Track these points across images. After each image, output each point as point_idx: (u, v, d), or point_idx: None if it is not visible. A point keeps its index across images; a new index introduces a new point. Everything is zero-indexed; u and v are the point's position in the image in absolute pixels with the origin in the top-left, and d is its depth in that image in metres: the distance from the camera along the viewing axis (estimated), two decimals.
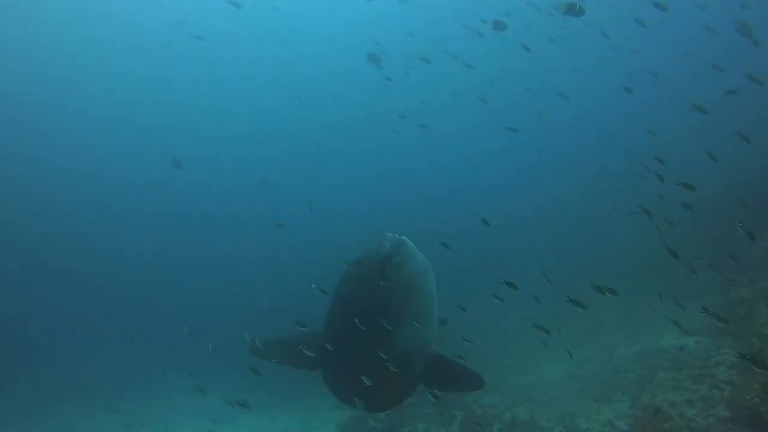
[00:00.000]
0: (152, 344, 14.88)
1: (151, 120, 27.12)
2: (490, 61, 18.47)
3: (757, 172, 11.92)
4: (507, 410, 9.85)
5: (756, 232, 10.23)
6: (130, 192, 25.03)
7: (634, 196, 14.43)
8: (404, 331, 3.71)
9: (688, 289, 10.50)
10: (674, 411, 7.33)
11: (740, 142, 7.16)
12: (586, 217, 15.19)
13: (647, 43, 17.19)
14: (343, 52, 25.16)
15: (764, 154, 12.46)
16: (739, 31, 9.12)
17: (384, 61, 13.60)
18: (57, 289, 20.20)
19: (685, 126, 15.44)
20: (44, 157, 24.91)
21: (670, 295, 10.80)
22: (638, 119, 16.68)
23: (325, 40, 25.76)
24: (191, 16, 23.55)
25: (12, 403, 14.02)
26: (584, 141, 19.97)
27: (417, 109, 19.68)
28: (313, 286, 4.92)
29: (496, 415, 9.78)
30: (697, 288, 10.42)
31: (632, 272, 11.76)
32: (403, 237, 3.77)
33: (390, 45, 16.84)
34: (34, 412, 14.08)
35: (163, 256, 21.83)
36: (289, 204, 22.32)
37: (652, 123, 13.97)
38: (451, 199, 21.94)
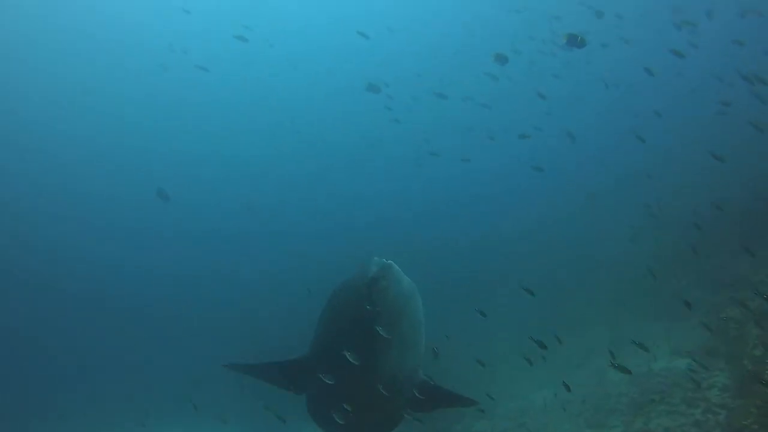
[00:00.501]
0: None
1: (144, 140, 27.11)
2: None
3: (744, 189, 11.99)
4: None
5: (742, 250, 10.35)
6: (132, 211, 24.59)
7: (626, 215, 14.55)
8: (392, 356, 3.68)
9: (677, 309, 10.38)
10: None
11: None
12: (580, 236, 15.13)
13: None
14: (341, 84, 25.56)
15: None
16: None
17: (383, 89, 13.64)
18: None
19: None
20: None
21: (659, 316, 10.78)
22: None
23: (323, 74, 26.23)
24: (193, 43, 24.25)
25: None
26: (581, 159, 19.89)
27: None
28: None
29: None
30: (686, 307, 10.30)
31: (624, 291, 11.63)
32: (389, 261, 3.74)
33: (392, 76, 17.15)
34: None
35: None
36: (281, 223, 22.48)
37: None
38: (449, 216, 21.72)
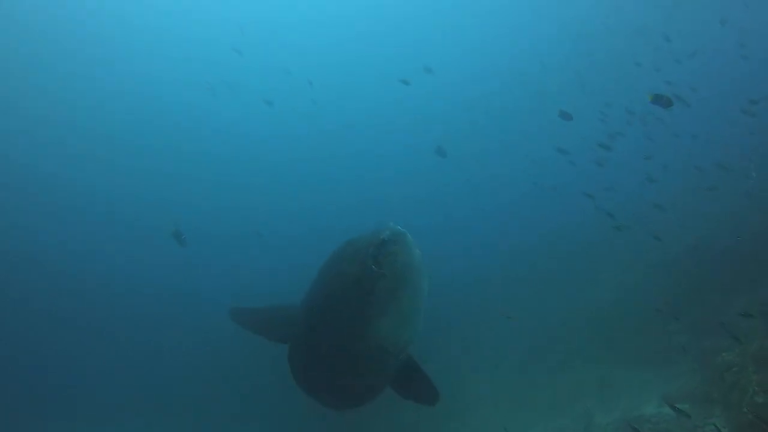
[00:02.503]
0: None
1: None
2: None
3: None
4: None
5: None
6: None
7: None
8: (384, 324, 3.43)
9: (670, 352, 10.00)
10: None
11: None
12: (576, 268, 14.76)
13: None
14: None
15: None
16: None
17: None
18: None
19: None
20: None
21: (650, 359, 10.35)
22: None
23: None
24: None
25: None
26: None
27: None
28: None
29: None
30: (677, 351, 9.92)
31: (615, 332, 11.23)
32: (404, 229, 3.58)
33: None
34: None
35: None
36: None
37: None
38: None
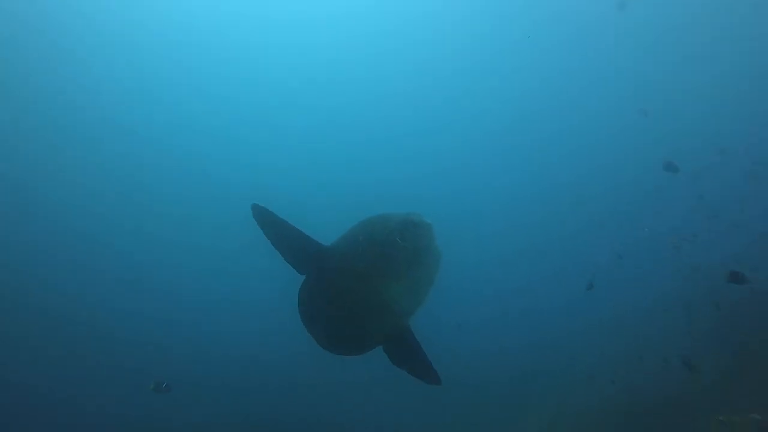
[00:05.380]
0: None
1: None
2: None
3: None
4: None
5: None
6: None
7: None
8: (394, 289, 3.91)
9: None
10: None
11: None
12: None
13: None
14: None
15: None
16: None
17: None
18: None
19: None
20: None
21: None
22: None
23: None
24: None
25: None
26: None
27: None
28: None
29: None
30: None
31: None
32: (430, 222, 3.97)
33: None
34: None
35: None
36: None
37: None
38: None
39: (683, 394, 9.49)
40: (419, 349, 4.14)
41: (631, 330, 13.49)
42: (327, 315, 4.15)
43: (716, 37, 23.64)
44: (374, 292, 3.93)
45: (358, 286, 3.95)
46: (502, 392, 13.13)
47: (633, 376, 11.24)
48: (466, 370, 12.96)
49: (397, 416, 13.04)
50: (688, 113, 21.42)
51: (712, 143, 17.62)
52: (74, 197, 23.06)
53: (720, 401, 8.46)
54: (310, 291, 4.32)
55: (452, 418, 12.78)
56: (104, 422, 13.54)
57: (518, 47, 25.73)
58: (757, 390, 8.36)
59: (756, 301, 10.41)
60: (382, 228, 3.94)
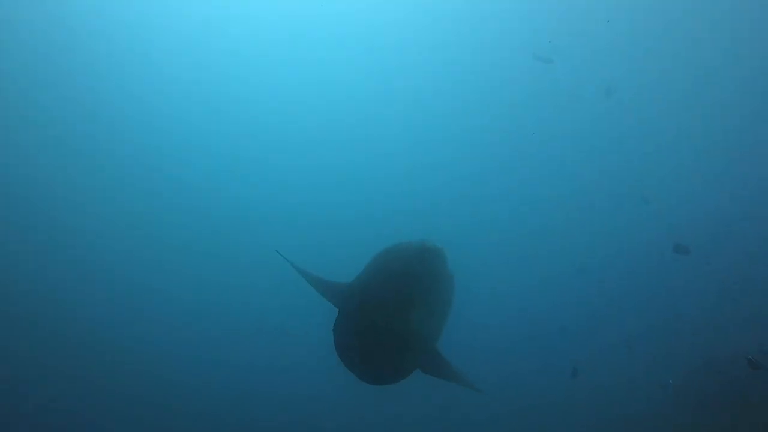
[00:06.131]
0: None
1: None
2: None
3: None
4: None
5: None
6: None
7: None
8: (417, 315, 4.10)
9: None
10: None
11: None
12: None
13: None
14: None
15: None
16: None
17: None
18: None
19: None
20: None
21: None
22: None
23: None
24: None
25: None
26: None
27: None
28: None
29: None
30: None
31: None
32: (441, 246, 4.21)
33: None
34: None
35: None
36: None
37: None
38: None
39: None
40: (450, 368, 4.37)
41: None
42: (358, 350, 4.34)
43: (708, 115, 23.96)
44: (398, 322, 4.10)
45: (383, 319, 4.13)
46: None
47: None
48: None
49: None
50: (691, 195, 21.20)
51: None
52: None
53: None
54: (340, 329, 4.53)
55: None
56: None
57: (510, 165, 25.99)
58: None
59: None
60: (397, 260, 4.16)
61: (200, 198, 24.16)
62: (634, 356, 14.58)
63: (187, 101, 27.27)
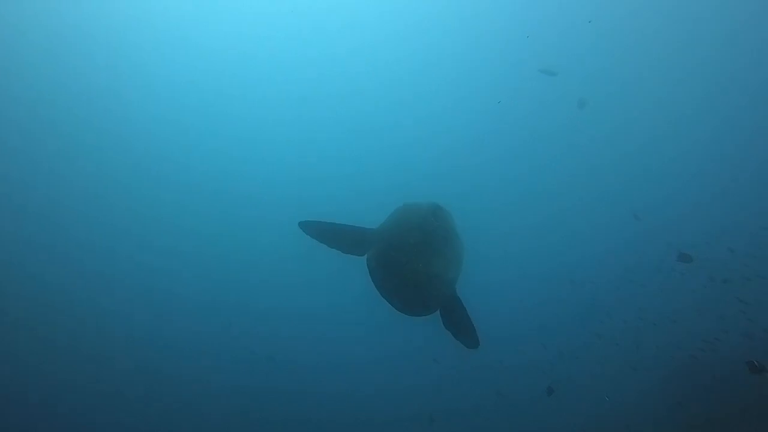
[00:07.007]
0: None
1: None
2: None
3: None
4: None
5: None
6: None
7: None
8: (438, 263, 4.63)
9: None
10: None
11: None
12: None
13: None
14: None
15: None
16: None
17: None
18: None
19: None
20: None
21: None
22: None
23: None
24: None
25: None
26: None
27: None
28: None
29: None
30: None
31: None
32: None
33: None
34: None
35: None
36: None
37: None
38: None
39: None
40: (465, 313, 4.79)
41: None
42: (392, 284, 4.72)
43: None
44: (420, 263, 4.58)
45: (405, 258, 4.58)
46: None
47: None
48: None
49: None
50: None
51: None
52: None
53: None
54: (374, 267, 4.84)
55: None
56: None
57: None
58: None
59: None
60: (415, 214, 4.70)
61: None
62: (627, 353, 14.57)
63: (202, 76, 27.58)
